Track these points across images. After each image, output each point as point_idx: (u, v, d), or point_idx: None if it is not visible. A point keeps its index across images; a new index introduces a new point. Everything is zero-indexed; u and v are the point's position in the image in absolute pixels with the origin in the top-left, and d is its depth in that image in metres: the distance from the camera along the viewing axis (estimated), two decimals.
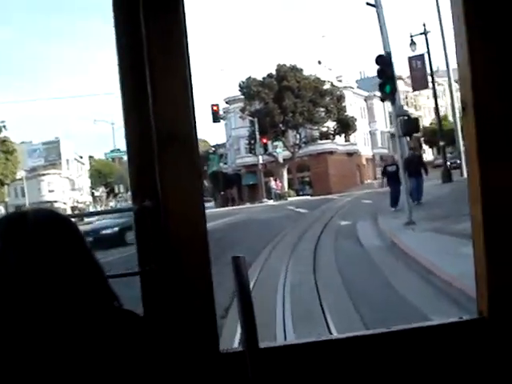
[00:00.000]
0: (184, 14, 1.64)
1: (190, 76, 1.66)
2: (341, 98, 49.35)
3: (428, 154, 74.64)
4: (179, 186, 1.62)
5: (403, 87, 72.76)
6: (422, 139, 72.53)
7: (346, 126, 49.61)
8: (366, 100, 61.75)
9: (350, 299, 7.88)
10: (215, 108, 37.61)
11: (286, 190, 45.94)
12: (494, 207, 1.71)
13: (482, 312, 1.77)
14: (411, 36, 30.99)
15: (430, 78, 31.45)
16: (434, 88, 30.54)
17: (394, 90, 14.73)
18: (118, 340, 1.22)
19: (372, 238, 13.55)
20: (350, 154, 54.62)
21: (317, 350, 1.70)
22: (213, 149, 73.75)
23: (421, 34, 31.51)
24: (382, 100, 16.84)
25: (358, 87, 58.36)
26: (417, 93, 77.34)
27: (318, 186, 46.25)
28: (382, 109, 65.88)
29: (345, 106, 50.01)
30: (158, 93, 1.62)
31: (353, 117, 51.64)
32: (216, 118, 38.26)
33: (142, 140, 1.66)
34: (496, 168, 1.70)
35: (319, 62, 48.07)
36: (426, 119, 77.45)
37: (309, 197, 42.97)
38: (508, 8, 1.67)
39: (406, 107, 70.85)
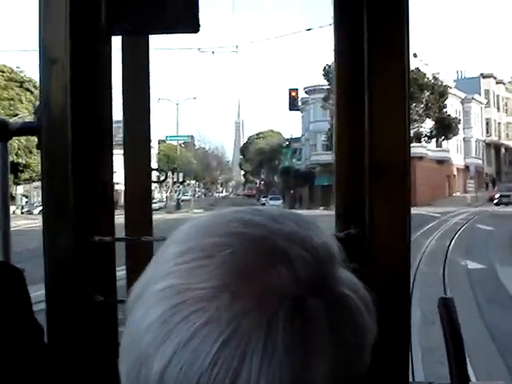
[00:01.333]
0: (408, 17, 1.54)
1: (409, 93, 1.60)
2: (443, 95, 44.21)
3: None
4: (388, 217, 1.61)
5: (504, 93, 66.97)
6: None
7: (446, 128, 44.37)
8: (462, 103, 56.66)
9: None
10: (293, 94, 33.01)
11: None
12: None
13: None
14: None
15: None
16: None
17: None
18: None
19: None
20: (440, 162, 49.92)
21: None
22: (286, 142, 70.76)
23: None
24: None
25: (455, 87, 53.10)
26: None
27: None
28: (480, 114, 60.38)
29: (446, 105, 44.89)
30: (375, 111, 1.57)
31: (456, 118, 46.48)
32: (293, 105, 33.45)
33: (352, 164, 1.63)
34: None
35: (415, 55, 43.07)
36: None
37: None
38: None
39: (505, 116, 65.00)
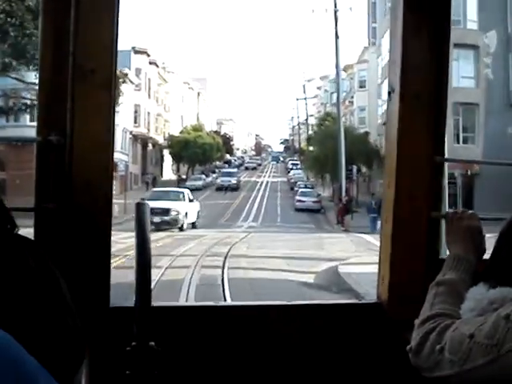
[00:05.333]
0: None
1: (118, 8, 1.74)
2: None
3: (169, 171, 61.96)
4: (90, 124, 1.69)
5: (156, 78, 59.42)
6: (168, 151, 59.58)
7: None
8: None
9: None
10: None
11: None
12: (405, 188, 1.95)
13: (380, 297, 2.04)
14: None
15: None
16: None
17: None
18: (13, 264, 1.30)
19: None
20: None
21: (208, 313, 1.91)
22: None
23: None
24: None
25: None
26: (168, 89, 64.45)
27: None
28: (130, 98, 50.75)
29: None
30: (81, 21, 1.67)
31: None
32: None
33: (57, 68, 1.68)
34: (414, 153, 1.95)
35: None
36: (176, 126, 64.72)
37: None
38: (440, 4, 1.98)
39: (156, 106, 57.38)
